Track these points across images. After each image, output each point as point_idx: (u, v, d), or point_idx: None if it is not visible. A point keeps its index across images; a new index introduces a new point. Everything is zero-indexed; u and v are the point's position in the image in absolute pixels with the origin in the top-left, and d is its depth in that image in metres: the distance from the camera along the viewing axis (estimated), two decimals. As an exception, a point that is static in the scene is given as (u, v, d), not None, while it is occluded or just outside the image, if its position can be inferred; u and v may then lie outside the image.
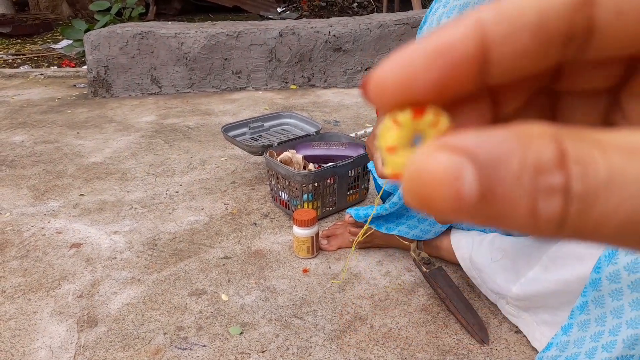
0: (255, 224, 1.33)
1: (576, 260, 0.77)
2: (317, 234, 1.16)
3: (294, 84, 2.71)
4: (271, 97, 2.54)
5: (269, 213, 1.39)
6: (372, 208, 1.11)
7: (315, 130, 1.58)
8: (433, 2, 0.92)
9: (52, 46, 4.10)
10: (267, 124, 1.65)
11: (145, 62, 2.60)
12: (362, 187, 1.41)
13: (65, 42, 3.99)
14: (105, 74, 2.59)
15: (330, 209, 1.35)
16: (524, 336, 0.91)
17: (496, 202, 0.10)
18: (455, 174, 0.10)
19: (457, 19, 0.12)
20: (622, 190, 0.10)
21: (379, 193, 1.20)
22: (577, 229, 0.10)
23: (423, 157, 0.11)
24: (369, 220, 1.06)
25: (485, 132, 0.11)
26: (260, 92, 2.64)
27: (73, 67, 3.41)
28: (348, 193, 1.37)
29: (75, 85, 2.88)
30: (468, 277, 1.05)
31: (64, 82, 2.99)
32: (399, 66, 0.12)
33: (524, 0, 0.12)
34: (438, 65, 0.12)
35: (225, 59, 2.63)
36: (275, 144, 1.46)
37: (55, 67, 3.45)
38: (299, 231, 1.14)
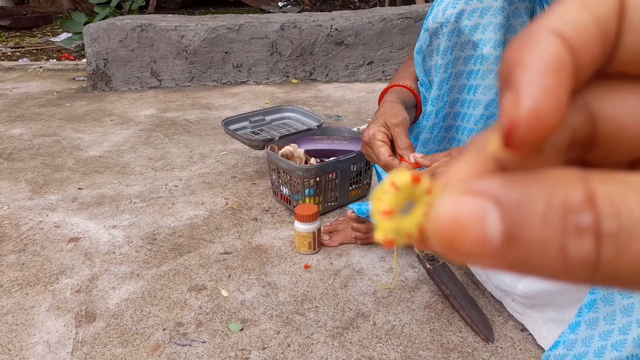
0: (256, 219, 1.31)
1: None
2: (318, 230, 1.14)
3: (295, 78, 2.69)
4: (272, 91, 2.52)
5: (270, 208, 1.37)
6: None
7: (317, 124, 1.56)
8: None
9: (52, 39, 4.07)
10: (268, 118, 1.63)
11: (145, 55, 2.58)
12: (365, 182, 1.39)
13: (64, 35, 3.96)
14: (104, 67, 2.57)
15: (332, 204, 1.33)
16: (530, 334, 0.89)
17: (523, 245, 0.10)
18: (479, 217, 0.10)
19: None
20: None
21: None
22: (612, 272, 0.10)
23: (448, 201, 0.11)
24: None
25: (510, 176, 0.11)
26: (261, 86, 2.62)
27: (72, 60, 3.39)
28: (350, 188, 1.35)
29: (74, 79, 2.86)
30: (472, 274, 1.04)
31: (63, 75, 2.96)
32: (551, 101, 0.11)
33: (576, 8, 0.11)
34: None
35: (226, 53, 2.61)
36: (277, 138, 1.44)
37: (55, 60, 3.43)
38: (301, 226, 1.12)
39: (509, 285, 0.90)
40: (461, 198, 0.11)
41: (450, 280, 0.97)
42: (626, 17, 0.11)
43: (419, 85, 0.97)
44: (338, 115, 2.14)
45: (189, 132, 1.97)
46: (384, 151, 0.79)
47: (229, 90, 2.57)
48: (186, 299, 1.01)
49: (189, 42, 2.56)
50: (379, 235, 0.13)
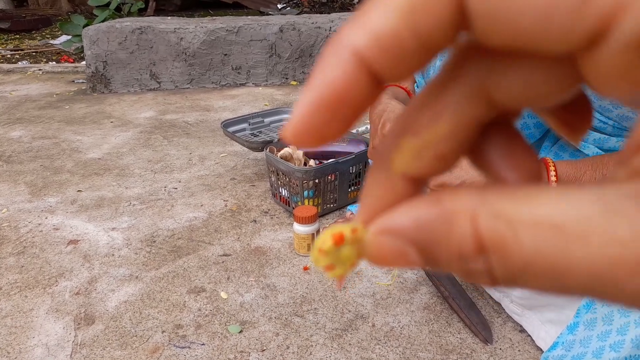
0: (255, 221, 1.31)
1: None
2: (318, 231, 1.14)
3: (295, 80, 2.69)
4: (271, 93, 2.53)
5: (269, 210, 1.37)
6: None
7: (315, 126, 1.56)
8: None
9: (51, 42, 4.07)
10: (267, 120, 1.64)
11: (144, 58, 2.58)
12: (364, 183, 1.39)
13: (64, 38, 3.96)
14: (103, 69, 2.57)
15: (331, 205, 1.34)
16: (529, 335, 0.89)
17: (437, 262, 0.13)
18: (402, 254, 0.13)
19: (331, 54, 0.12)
20: (537, 275, 0.11)
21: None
22: (509, 286, 0.12)
23: (372, 245, 0.13)
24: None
25: (414, 208, 0.13)
26: (260, 88, 2.62)
27: (72, 62, 3.39)
28: (349, 190, 1.36)
29: (73, 81, 2.86)
30: (471, 275, 1.04)
31: (62, 77, 2.97)
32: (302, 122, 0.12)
33: (391, 17, 0.11)
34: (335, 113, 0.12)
35: (225, 55, 2.61)
36: (276, 139, 1.44)
37: (54, 62, 3.43)
38: (300, 228, 1.12)
39: (508, 287, 0.90)
40: (383, 238, 0.13)
41: (449, 282, 0.97)
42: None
43: (416, 87, 0.97)
44: (337, 117, 2.14)
45: (188, 134, 1.97)
46: None
47: (228, 92, 2.57)
48: (185, 301, 1.01)
49: (188, 45, 2.56)
50: (330, 276, 0.15)
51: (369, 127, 1.94)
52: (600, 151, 0.84)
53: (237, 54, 2.61)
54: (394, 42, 0.11)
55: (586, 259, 0.11)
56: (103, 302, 1.02)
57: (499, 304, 0.97)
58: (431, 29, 0.11)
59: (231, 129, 1.53)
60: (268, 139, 1.48)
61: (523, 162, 0.14)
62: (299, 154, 1.37)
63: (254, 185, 1.51)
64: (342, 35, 0.12)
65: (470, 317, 0.91)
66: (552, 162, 0.74)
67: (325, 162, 1.33)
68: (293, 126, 0.12)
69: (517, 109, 0.14)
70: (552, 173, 0.73)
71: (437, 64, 0.88)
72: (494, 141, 0.14)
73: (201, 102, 2.41)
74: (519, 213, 0.11)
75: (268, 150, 1.35)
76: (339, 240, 0.14)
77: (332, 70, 0.12)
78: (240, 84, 2.67)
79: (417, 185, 0.14)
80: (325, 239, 0.14)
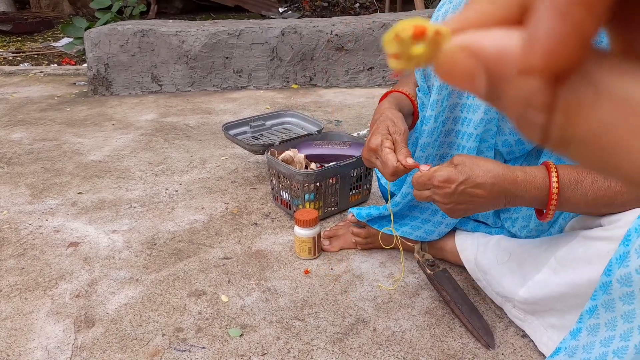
0: (256, 224, 1.31)
1: (586, 263, 0.75)
2: (318, 235, 1.14)
3: (296, 83, 2.69)
4: (272, 97, 2.53)
5: (269, 213, 1.37)
6: (375, 208, 1.09)
7: (317, 129, 1.56)
8: None
9: (53, 44, 4.08)
10: (268, 123, 1.63)
11: (145, 60, 2.58)
12: (365, 187, 1.39)
13: (65, 40, 3.97)
14: (105, 71, 2.58)
15: (333, 209, 1.33)
16: (531, 340, 0.89)
17: (499, 97, 0.13)
18: (472, 75, 0.13)
19: None
20: (594, 148, 0.11)
21: (382, 194, 1.18)
22: (556, 147, 0.12)
23: (451, 51, 0.13)
24: (390, 219, 1.04)
25: (506, 38, 0.12)
26: (262, 91, 2.62)
27: (73, 65, 3.40)
28: (350, 193, 1.35)
29: (75, 83, 2.87)
30: (473, 280, 1.03)
31: (63, 80, 2.97)
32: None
33: None
34: None
35: (227, 58, 2.61)
36: (277, 142, 1.44)
37: (56, 65, 3.43)
38: (301, 231, 1.12)
39: (510, 291, 0.89)
40: (461, 55, 0.13)
41: (451, 286, 0.97)
42: None
43: (418, 91, 0.97)
44: (338, 121, 2.14)
45: (189, 137, 1.97)
46: (392, 158, 0.80)
47: (230, 95, 2.57)
48: (186, 304, 1.01)
49: (189, 47, 2.57)
50: (390, 65, 0.15)
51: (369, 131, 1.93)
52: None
53: (239, 57, 2.62)
54: None
55: None
56: (103, 304, 1.01)
57: (501, 309, 0.96)
58: None
59: (232, 132, 1.53)
60: (269, 142, 1.48)
61: None
62: (300, 157, 1.36)
63: (255, 188, 1.51)
64: None
65: (472, 322, 0.90)
66: (555, 166, 0.74)
67: (326, 165, 1.32)
68: (547, 42, 0.11)
69: None
70: (554, 179, 0.72)
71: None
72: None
73: (202, 104, 2.41)
74: (611, 84, 0.11)
75: (269, 153, 1.34)
76: (419, 35, 0.13)
77: None
78: (241, 87, 2.67)
79: (525, 19, 0.13)
80: (407, 28, 0.13)
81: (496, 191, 0.73)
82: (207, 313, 0.98)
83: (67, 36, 3.71)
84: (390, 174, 0.81)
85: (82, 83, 2.84)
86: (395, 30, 0.14)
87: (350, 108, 2.32)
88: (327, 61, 2.67)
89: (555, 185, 0.72)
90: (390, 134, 0.83)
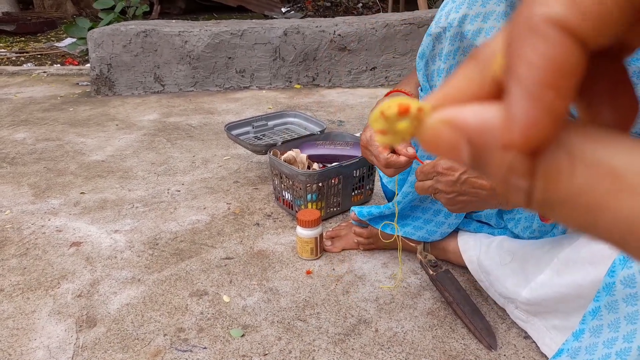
0: (258, 224, 1.31)
1: (589, 264, 0.75)
2: (321, 235, 1.13)
3: (298, 84, 2.69)
4: (275, 97, 2.53)
5: (272, 213, 1.37)
6: (377, 207, 1.08)
7: (319, 129, 1.55)
8: None
9: (56, 44, 4.09)
10: (270, 123, 1.63)
11: (148, 61, 2.58)
12: (367, 187, 1.39)
13: (68, 40, 3.98)
14: (108, 72, 2.58)
15: (335, 209, 1.33)
16: (533, 342, 0.88)
17: (482, 165, 0.14)
18: (455, 147, 0.14)
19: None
20: (575, 210, 0.12)
21: (384, 194, 1.18)
22: (541, 210, 0.13)
23: (434, 125, 0.14)
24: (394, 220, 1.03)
25: (484, 111, 0.13)
26: (264, 91, 2.62)
27: (76, 65, 3.40)
28: (353, 193, 1.35)
29: (78, 84, 2.87)
30: (475, 281, 1.03)
31: (66, 80, 2.97)
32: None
33: None
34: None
35: (229, 58, 2.61)
36: (279, 143, 1.44)
37: (59, 65, 3.44)
38: (303, 232, 1.12)
39: (513, 292, 0.89)
40: (444, 128, 0.14)
41: (453, 287, 0.97)
42: None
43: (420, 91, 0.97)
44: (341, 121, 2.14)
45: (192, 137, 1.97)
46: (382, 150, 0.80)
47: (232, 95, 2.57)
48: (187, 305, 1.01)
49: (192, 48, 2.57)
50: (378, 141, 0.16)
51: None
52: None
53: (241, 57, 2.62)
54: (594, 5, 0.11)
55: (632, 209, 0.11)
56: (105, 304, 1.01)
57: (503, 310, 0.96)
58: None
59: (235, 132, 1.53)
60: (271, 142, 1.48)
61: (622, 102, 0.14)
62: (303, 157, 1.36)
63: (257, 189, 1.51)
64: (527, 15, 0.12)
65: (475, 323, 0.90)
66: None
67: (328, 165, 1.32)
68: (523, 123, 0.12)
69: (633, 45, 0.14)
70: None
71: (441, 67, 0.87)
72: (602, 76, 0.14)
73: (205, 105, 2.41)
74: (583, 150, 0.12)
75: (271, 153, 1.34)
76: (403, 112, 0.14)
77: (539, 47, 0.12)
78: (244, 87, 2.67)
79: (500, 94, 0.14)
80: (391, 106, 0.15)
81: None
82: (208, 313, 0.98)
83: (70, 36, 3.72)
84: (383, 166, 0.81)
85: (85, 83, 2.85)
86: (380, 109, 0.15)
87: (352, 108, 2.32)
88: (330, 61, 2.67)
89: None
90: None
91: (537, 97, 0.12)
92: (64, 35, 4.33)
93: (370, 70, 2.70)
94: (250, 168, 1.66)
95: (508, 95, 0.13)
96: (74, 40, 3.69)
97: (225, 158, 1.75)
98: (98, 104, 2.46)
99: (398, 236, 1.03)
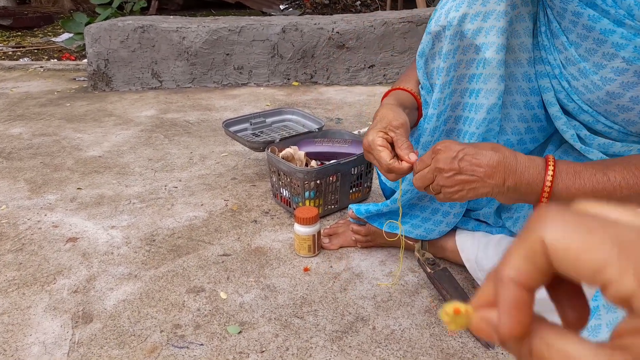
0: (256, 221, 1.31)
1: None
2: (318, 232, 1.13)
3: (296, 81, 2.69)
4: (273, 94, 2.52)
5: (269, 210, 1.36)
6: (374, 204, 1.08)
7: (318, 126, 1.55)
8: None
9: (53, 39, 4.07)
10: (268, 120, 1.63)
11: (146, 56, 2.57)
12: (365, 185, 1.38)
13: (65, 35, 3.96)
14: (105, 67, 2.57)
15: (333, 207, 1.33)
16: (530, 340, 0.88)
17: (505, 345, 0.22)
18: (490, 333, 0.22)
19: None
20: None
21: (382, 191, 1.18)
22: None
23: (473, 323, 0.23)
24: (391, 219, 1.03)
25: (501, 314, 0.22)
26: (262, 88, 2.62)
27: (73, 60, 3.39)
28: (351, 191, 1.35)
29: (75, 79, 2.86)
30: (473, 279, 1.03)
31: (63, 75, 2.96)
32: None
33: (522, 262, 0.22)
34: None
35: (227, 55, 2.60)
36: (277, 140, 1.44)
37: (55, 60, 3.42)
38: (300, 229, 1.11)
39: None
40: (481, 323, 0.23)
41: (451, 285, 0.97)
42: (552, 260, 0.20)
43: (420, 89, 0.96)
44: (339, 118, 2.14)
45: (189, 134, 1.96)
46: (384, 155, 0.80)
47: (230, 92, 2.56)
48: (184, 301, 1.00)
49: (190, 44, 2.56)
50: (448, 328, 0.28)
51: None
52: (605, 156, 0.83)
53: (239, 54, 2.61)
54: (528, 272, 0.21)
55: None
56: (101, 300, 1.01)
57: (500, 308, 0.96)
58: (540, 268, 0.21)
59: (232, 129, 1.53)
60: (269, 139, 1.47)
61: (578, 307, 0.23)
62: (301, 154, 1.36)
63: (254, 185, 1.50)
64: (501, 273, 0.21)
65: (472, 321, 0.90)
66: (553, 161, 0.73)
67: (326, 163, 1.32)
68: (505, 326, 0.21)
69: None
70: (550, 172, 0.72)
71: (441, 66, 0.87)
72: (564, 287, 0.23)
73: (203, 101, 2.40)
74: (554, 341, 0.20)
75: (269, 150, 1.34)
76: (457, 312, 0.23)
77: (510, 293, 0.21)
78: (242, 84, 2.66)
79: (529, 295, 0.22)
80: (451, 307, 0.23)
81: (496, 161, 0.72)
82: (205, 310, 0.98)
83: (67, 31, 3.70)
84: (385, 171, 0.81)
85: (82, 78, 2.84)
86: (445, 309, 0.23)
87: (350, 106, 2.32)
88: (328, 59, 2.66)
89: (551, 168, 0.71)
90: (387, 131, 0.82)
91: (509, 314, 0.21)
92: (61, 30, 4.31)
93: (369, 68, 2.69)
94: (248, 165, 1.65)
95: (497, 308, 0.22)
96: (71, 35, 3.67)
97: (223, 155, 1.74)
98: (95, 100, 2.45)
99: (401, 235, 1.03)
